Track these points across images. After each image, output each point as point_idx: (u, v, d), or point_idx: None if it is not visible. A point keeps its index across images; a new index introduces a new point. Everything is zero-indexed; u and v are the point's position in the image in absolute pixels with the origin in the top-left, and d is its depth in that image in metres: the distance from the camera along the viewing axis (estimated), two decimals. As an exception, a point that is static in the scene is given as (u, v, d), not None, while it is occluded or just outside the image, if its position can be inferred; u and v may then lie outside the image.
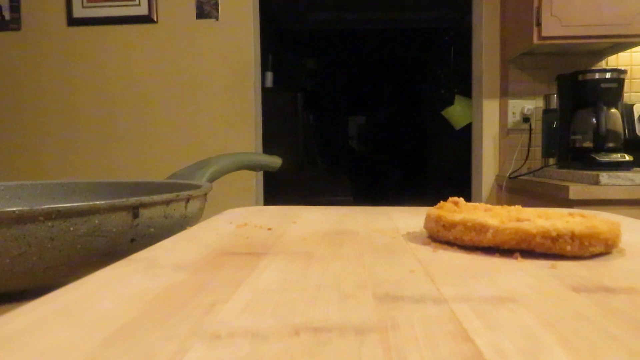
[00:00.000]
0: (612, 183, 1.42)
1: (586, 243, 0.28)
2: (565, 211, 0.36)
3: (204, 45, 2.23)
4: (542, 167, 1.80)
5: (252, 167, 0.71)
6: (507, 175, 1.96)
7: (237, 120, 2.23)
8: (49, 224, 0.29)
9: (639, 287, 0.23)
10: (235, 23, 2.22)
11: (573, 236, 0.28)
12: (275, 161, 0.72)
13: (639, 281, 0.24)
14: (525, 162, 1.98)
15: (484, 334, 0.17)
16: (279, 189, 3.08)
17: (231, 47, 2.23)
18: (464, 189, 2.25)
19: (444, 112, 2.37)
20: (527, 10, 1.82)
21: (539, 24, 1.78)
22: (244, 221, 0.41)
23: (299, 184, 3.95)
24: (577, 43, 1.76)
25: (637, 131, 1.74)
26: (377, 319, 0.18)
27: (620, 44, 1.80)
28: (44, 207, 0.28)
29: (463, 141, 2.43)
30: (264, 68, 2.67)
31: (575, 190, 1.42)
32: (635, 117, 1.75)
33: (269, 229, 0.38)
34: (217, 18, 2.22)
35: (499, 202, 2.03)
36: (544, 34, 1.77)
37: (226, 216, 0.44)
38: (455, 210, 0.35)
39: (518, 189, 1.88)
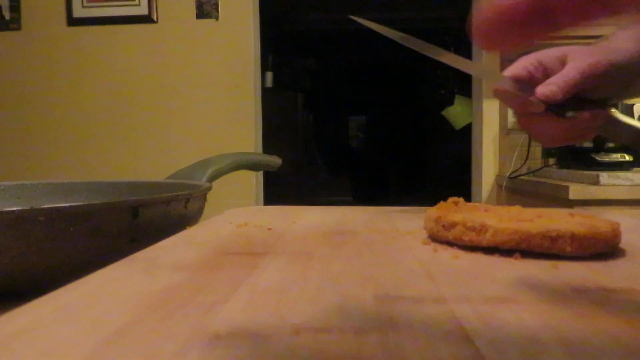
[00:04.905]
0: (612, 183, 1.42)
1: (586, 243, 0.28)
2: (565, 211, 0.36)
3: (204, 45, 2.23)
4: (542, 167, 1.80)
5: (252, 167, 0.71)
6: (507, 175, 1.96)
7: (237, 120, 2.23)
8: (49, 224, 0.29)
9: (639, 287, 0.23)
10: (235, 23, 2.22)
11: (573, 236, 0.28)
12: (275, 161, 0.72)
13: (639, 281, 0.24)
14: (525, 162, 1.97)
15: (484, 335, 0.17)
16: (279, 189, 3.08)
17: (231, 47, 2.23)
18: (464, 189, 2.25)
19: (444, 112, 2.37)
20: (527, 10, 1.82)
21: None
22: (244, 221, 0.41)
23: (298, 184, 3.95)
24: (577, 42, 1.75)
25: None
26: (377, 320, 0.18)
27: (620, 44, 1.79)
28: (43, 207, 0.28)
29: (463, 141, 2.43)
30: (264, 68, 2.67)
31: (575, 190, 1.42)
32: (635, 117, 1.75)
33: (269, 229, 0.38)
34: (217, 18, 2.22)
35: (499, 202, 2.02)
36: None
37: (226, 216, 0.44)
38: (455, 210, 0.35)
39: (518, 189, 1.88)
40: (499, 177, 2.05)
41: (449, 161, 3.83)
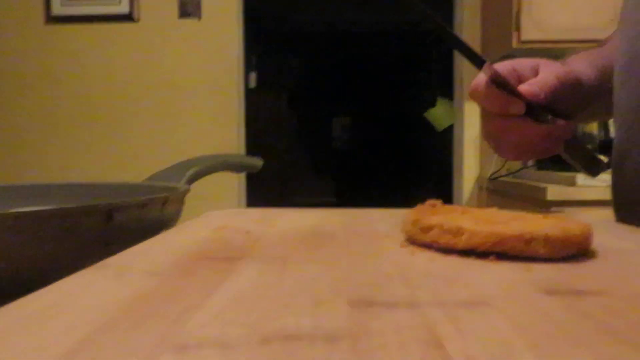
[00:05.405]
0: (587, 184, 1.45)
1: (559, 245, 0.29)
2: (539, 213, 0.37)
3: (186, 44, 2.21)
4: (521, 169, 1.82)
5: (233, 169, 0.71)
6: (488, 176, 1.98)
7: (220, 120, 2.22)
8: (18, 228, 0.28)
9: (608, 289, 0.23)
10: (218, 23, 2.21)
11: (546, 239, 0.29)
12: (256, 162, 0.71)
13: (609, 284, 0.24)
14: (505, 163, 2.00)
15: (456, 340, 0.17)
16: (263, 190, 3.07)
17: (214, 47, 2.21)
18: (447, 190, 2.27)
19: (426, 114, 2.39)
20: (507, 14, 1.84)
21: (518, 28, 1.80)
22: (222, 224, 0.41)
23: (282, 185, 3.94)
24: (556, 47, 1.79)
25: (611, 133, 1.77)
26: (349, 326, 0.18)
27: (597, 48, 1.83)
28: (12, 210, 0.28)
29: (446, 143, 2.45)
30: (248, 68, 2.66)
31: (553, 192, 1.45)
32: (610, 120, 1.79)
33: (247, 232, 0.37)
34: (199, 17, 2.20)
35: (480, 203, 2.05)
36: (523, 38, 1.80)
37: (204, 219, 0.43)
38: (432, 212, 0.35)
39: (498, 191, 1.90)
40: (479, 179, 2.07)
41: (432, 162, 3.87)
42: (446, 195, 2.19)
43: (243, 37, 2.24)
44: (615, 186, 0.51)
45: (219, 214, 0.46)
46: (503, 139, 0.50)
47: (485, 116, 0.50)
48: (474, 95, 0.48)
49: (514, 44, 1.80)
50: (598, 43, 0.60)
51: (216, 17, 2.16)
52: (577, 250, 0.30)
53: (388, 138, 4.79)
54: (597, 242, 0.32)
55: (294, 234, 0.37)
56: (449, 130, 2.29)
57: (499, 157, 1.91)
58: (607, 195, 0.60)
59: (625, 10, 0.49)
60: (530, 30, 1.78)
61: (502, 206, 0.39)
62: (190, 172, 0.64)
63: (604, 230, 0.39)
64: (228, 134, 2.17)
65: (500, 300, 0.22)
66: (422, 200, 0.40)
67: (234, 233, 0.37)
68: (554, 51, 1.90)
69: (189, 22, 2.16)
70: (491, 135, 0.50)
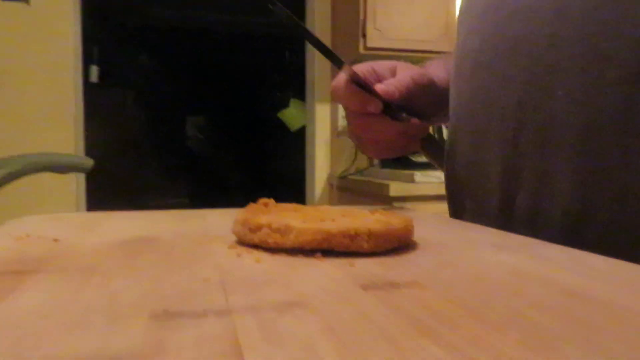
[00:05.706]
0: (424, 181, 1.60)
1: (381, 240, 0.30)
2: (366, 209, 0.38)
3: (12, 31, 1.93)
4: (367, 167, 1.94)
5: (55, 170, 0.62)
6: (338, 175, 2.07)
7: (53, 117, 1.98)
8: None
9: (420, 280, 0.24)
10: (50, 9, 1.97)
11: (370, 234, 0.29)
12: (84, 163, 0.63)
13: (422, 274, 0.26)
14: (353, 162, 2.12)
15: (259, 348, 0.16)
16: (107, 193, 2.82)
17: (46, 36, 1.97)
18: (300, 188, 2.32)
19: (279, 115, 2.42)
20: (354, 21, 1.95)
21: (364, 35, 1.91)
22: (29, 232, 0.35)
23: (130, 186, 3.68)
24: (398, 55, 1.94)
25: (444, 135, 1.98)
26: (143, 344, 0.16)
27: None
28: None
29: (300, 143, 2.51)
30: (89, 61, 2.42)
31: (394, 188, 1.56)
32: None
33: (55, 240, 0.32)
34: (27, 1, 1.94)
35: (331, 201, 2.14)
36: (368, 44, 1.91)
37: (6, 227, 0.37)
38: (263, 212, 0.34)
39: (347, 188, 2.00)
40: (330, 177, 2.16)
41: (286, 162, 3.94)
42: (299, 193, 2.24)
43: (81, 26, 2.02)
44: (447, 178, 0.54)
45: (28, 220, 0.39)
46: (364, 136, 0.51)
47: (348, 115, 0.51)
48: (335, 94, 0.49)
49: (361, 49, 1.91)
50: (435, 54, 0.65)
51: (48, 3, 1.92)
52: (399, 244, 0.31)
53: (243, 138, 4.76)
54: (421, 235, 0.34)
55: (114, 240, 0.33)
56: (302, 130, 2.35)
57: (358, 155, 2.02)
58: (441, 190, 0.65)
59: (459, 18, 0.53)
60: (375, 38, 1.91)
61: (350, 203, 0.40)
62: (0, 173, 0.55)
63: (429, 224, 0.42)
64: (62, 131, 1.95)
65: (317, 299, 0.21)
66: (278, 199, 0.39)
67: (39, 242, 0.32)
68: (399, 58, 2.06)
69: (14, 6, 1.89)
70: (354, 133, 0.51)
